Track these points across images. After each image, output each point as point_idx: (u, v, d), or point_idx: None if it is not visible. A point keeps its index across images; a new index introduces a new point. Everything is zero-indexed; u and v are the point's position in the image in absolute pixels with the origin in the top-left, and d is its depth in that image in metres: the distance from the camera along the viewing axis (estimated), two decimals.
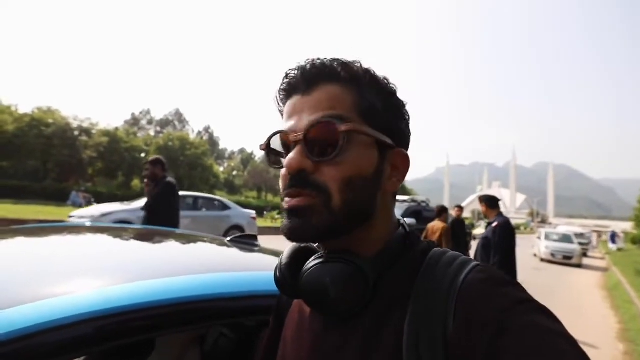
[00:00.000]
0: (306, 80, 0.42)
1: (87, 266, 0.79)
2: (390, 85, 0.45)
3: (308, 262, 0.43)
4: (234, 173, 53.41)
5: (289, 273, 0.45)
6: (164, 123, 59.46)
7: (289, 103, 0.44)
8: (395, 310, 0.39)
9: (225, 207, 8.63)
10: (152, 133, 50.92)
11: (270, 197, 44.26)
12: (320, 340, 0.43)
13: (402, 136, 0.46)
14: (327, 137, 0.40)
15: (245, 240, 1.27)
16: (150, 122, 57.37)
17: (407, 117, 0.47)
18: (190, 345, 1.07)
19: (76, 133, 26.29)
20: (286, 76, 0.44)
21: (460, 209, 5.97)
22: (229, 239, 1.29)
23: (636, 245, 25.71)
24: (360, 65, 0.43)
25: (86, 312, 0.56)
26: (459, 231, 5.52)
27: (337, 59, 0.43)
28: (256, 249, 1.21)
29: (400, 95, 0.46)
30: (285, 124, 0.43)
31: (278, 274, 0.46)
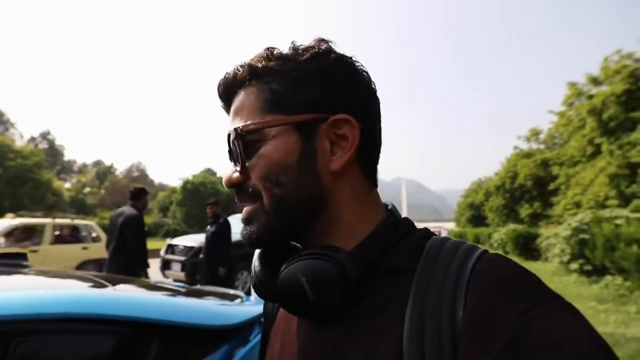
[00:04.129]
0: (224, 98, 0.44)
1: None
2: (307, 55, 0.40)
3: (288, 259, 0.39)
4: (86, 190, 43.95)
5: (264, 274, 0.42)
6: None
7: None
8: (393, 304, 0.36)
9: None
10: None
11: None
12: (312, 346, 0.40)
13: (338, 100, 0.40)
14: (234, 148, 0.41)
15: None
16: None
17: (345, 76, 0.41)
18: None
19: None
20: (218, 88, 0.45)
21: (214, 204, 4.67)
22: None
23: (457, 238, 34.50)
24: (264, 56, 0.41)
25: None
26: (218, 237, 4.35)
27: (243, 64, 0.42)
28: (24, 269, 1.20)
29: (330, 56, 0.41)
30: None
31: (253, 277, 0.43)
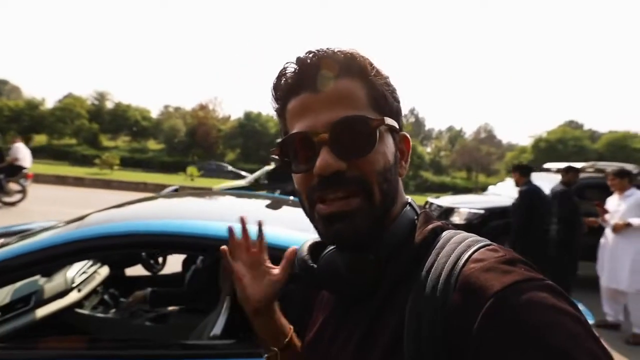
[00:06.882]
0: (312, 79, 0.41)
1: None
2: (384, 72, 0.45)
3: (324, 251, 0.45)
4: (441, 153, 50.97)
5: (307, 265, 0.47)
6: None
7: (297, 101, 0.42)
8: (400, 292, 0.39)
9: None
10: None
11: (482, 177, 39.15)
12: (339, 324, 0.45)
13: (401, 119, 0.47)
14: (360, 134, 0.40)
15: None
16: None
17: (399, 100, 0.48)
18: None
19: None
20: (285, 72, 0.43)
21: (569, 171, 3.80)
22: (293, 198, 1.63)
23: None
24: (361, 55, 0.44)
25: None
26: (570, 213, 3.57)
27: (342, 51, 0.42)
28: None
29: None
30: (297, 124, 0.42)
31: (297, 267, 0.49)
